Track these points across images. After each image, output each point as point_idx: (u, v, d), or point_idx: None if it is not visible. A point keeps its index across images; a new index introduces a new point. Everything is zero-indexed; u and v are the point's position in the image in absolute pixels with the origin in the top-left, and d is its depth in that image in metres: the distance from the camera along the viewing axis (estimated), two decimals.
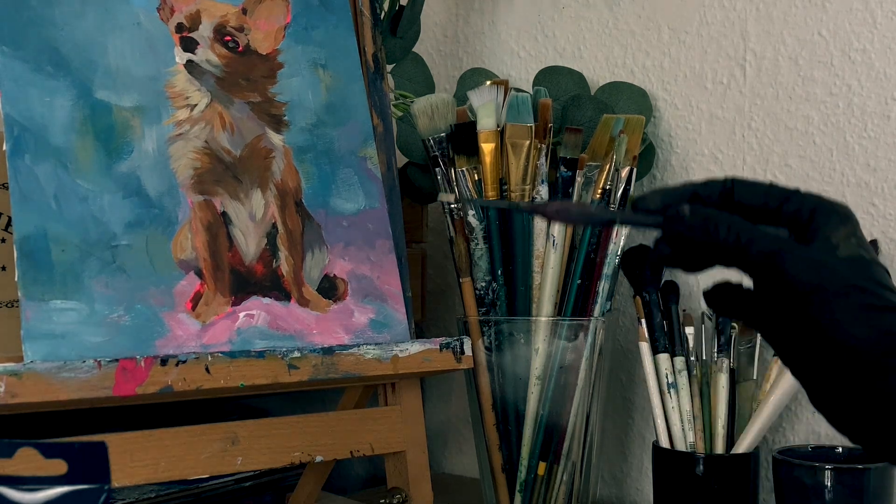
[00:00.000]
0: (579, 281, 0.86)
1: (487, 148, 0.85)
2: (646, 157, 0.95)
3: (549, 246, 0.85)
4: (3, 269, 0.79)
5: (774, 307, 0.51)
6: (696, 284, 0.96)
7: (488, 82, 0.93)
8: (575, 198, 0.86)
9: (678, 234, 0.53)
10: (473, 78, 0.98)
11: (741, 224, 0.51)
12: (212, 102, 0.76)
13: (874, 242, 0.84)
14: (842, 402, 0.51)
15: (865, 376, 0.49)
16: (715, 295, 0.56)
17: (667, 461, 0.84)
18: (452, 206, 0.71)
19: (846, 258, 0.50)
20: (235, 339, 0.72)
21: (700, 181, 0.55)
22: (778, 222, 0.53)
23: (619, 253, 0.86)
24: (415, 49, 0.99)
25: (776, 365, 0.84)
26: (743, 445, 0.83)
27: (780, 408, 0.83)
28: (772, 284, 0.51)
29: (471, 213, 0.86)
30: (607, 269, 0.86)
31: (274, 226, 0.77)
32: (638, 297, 0.87)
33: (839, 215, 0.52)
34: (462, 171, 0.86)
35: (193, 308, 0.71)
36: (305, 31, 0.82)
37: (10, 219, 0.74)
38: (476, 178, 0.86)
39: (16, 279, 0.65)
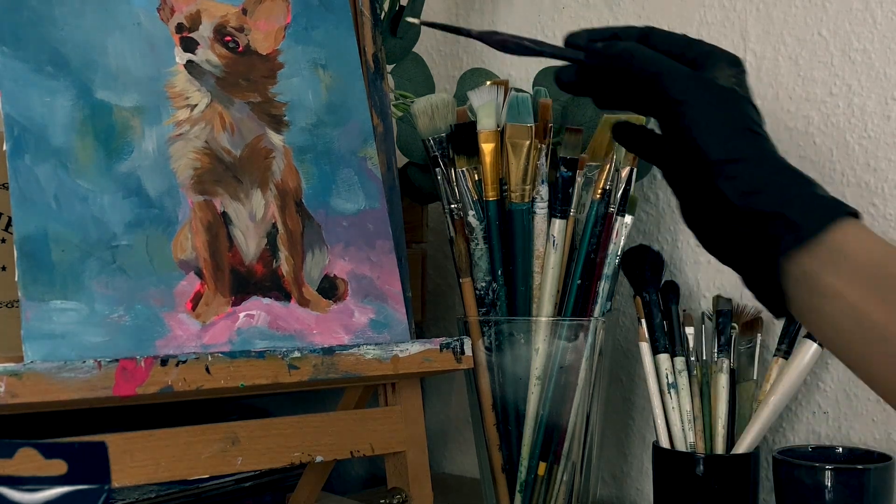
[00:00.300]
0: (579, 281, 0.86)
1: (487, 148, 0.85)
2: None
3: (550, 246, 0.85)
4: (3, 269, 0.79)
5: (661, 127, 0.58)
6: (696, 284, 0.96)
7: (488, 82, 0.92)
8: (575, 199, 0.86)
9: (594, 67, 0.61)
10: (473, 78, 0.98)
11: (638, 49, 0.58)
12: (212, 102, 0.76)
13: None
14: (703, 216, 0.57)
15: (707, 178, 0.55)
16: (620, 129, 0.65)
17: (667, 461, 0.84)
18: (416, 22, 0.72)
19: (721, 85, 0.57)
20: (235, 340, 0.72)
21: (621, 26, 0.62)
22: (683, 59, 0.59)
23: (619, 253, 0.86)
24: (415, 49, 0.99)
25: (776, 365, 0.84)
26: (743, 445, 0.83)
27: (781, 408, 0.83)
28: (655, 100, 0.57)
29: (471, 213, 0.86)
30: (607, 270, 0.86)
31: (274, 226, 0.77)
32: (638, 298, 0.87)
33: (728, 60, 0.59)
34: (462, 171, 0.86)
35: (193, 308, 0.71)
36: (305, 32, 0.82)
37: (10, 219, 0.74)
38: (476, 178, 0.86)
39: (16, 279, 0.65)
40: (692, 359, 0.86)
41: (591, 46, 0.61)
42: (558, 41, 0.63)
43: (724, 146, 0.55)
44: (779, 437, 0.92)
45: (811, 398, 0.90)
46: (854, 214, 0.54)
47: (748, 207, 0.54)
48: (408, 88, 0.98)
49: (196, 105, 0.76)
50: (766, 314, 0.86)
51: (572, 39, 0.62)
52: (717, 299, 0.87)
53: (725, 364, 0.85)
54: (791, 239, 0.53)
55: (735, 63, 0.59)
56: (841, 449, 0.83)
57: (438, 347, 0.79)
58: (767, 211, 0.53)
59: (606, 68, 0.60)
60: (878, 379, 0.53)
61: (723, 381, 0.84)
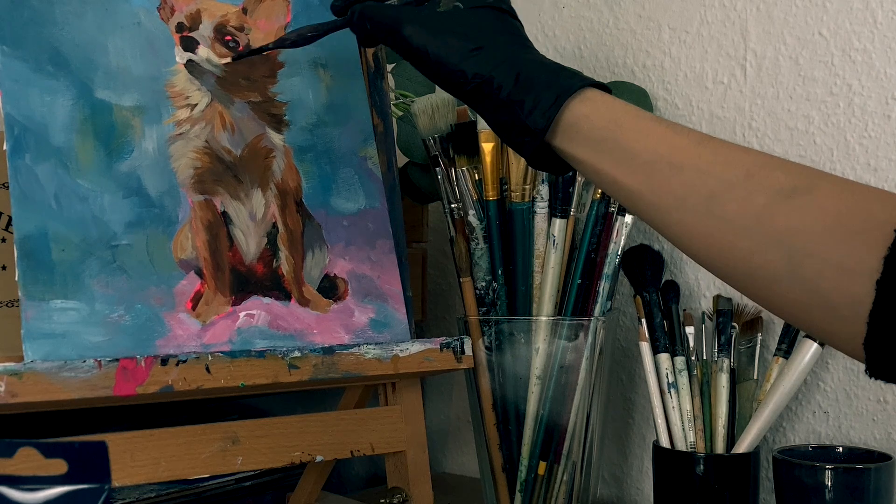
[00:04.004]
0: (580, 281, 0.86)
1: (488, 147, 0.85)
2: None
3: (550, 246, 0.85)
4: (4, 268, 0.79)
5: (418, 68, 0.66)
6: (696, 285, 0.96)
7: None
8: (575, 199, 0.86)
9: (354, 30, 0.69)
10: None
11: (370, 8, 0.67)
12: (212, 102, 0.76)
13: None
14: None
15: (467, 99, 0.64)
16: None
17: (667, 461, 0.84)
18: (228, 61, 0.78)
19: (443, 12, 0.65)
20: (236, 339, 0.72)
21: None
22: None
23: (619, 253, 0.86)
24: None
25: (776, 365, 0.84)
26: (743, 445, 0.83)
27: (781, 408, 0.83)
28: (406, 49, 0.65)
29: (471, 212, 0.86)
30: (608, 269, 0.86)
31: (274, 225, 0.77)
32: (638, 297, 0.87)
33: None
34: (462, 170, 0.86)
35: (194, 308, 0.71)
36: None
37: (10, 218, 0.74)
38: (476, 177, 0.86)
39: (16, 279, 0.65)
40: (692, 358, 0.86)
41: (341, 12, 0.70)
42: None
43: (467, 71, 0.63)
44: (779, 436, 0.92)
45: (811, 398, 0.90)
46: (596, 86, 0.61)
47: (501, 122, 0.62)
48: (408, 88, 0.98)
49: (196, 104, 0.76)
50: (766, 314, 0.86)
51: (333, 8, 0.71)
52: (718, 299, 0.87)
53: (726, 363, 0.85)
54: (529, 141, 0.61)
55: None
56: (841, 449, 0.83)
57: (439, 347, 0.79)
58: (509, 122, 0.62)
59: (360, 31, 0.68)
60: (651, 225, 0.60)
61: (723, 380, 0.84)
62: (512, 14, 0.66)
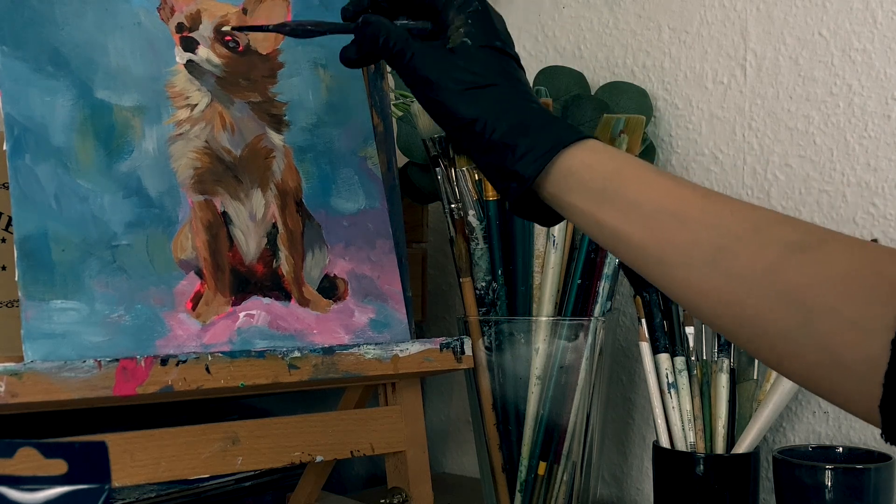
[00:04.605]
0: (580, 281, 0.86)
1: None
2: (646, 157, 0.95)
3: (550, 246, 0.85)
4: (4, 268, 0.79)
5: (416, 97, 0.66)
6: None
7: None
8: None
9: (361, 40, 0.67)
10: None
11: (393, 30, 0.65)
12: (212, 102, 0.76)
13: (874, 241, 0.84)
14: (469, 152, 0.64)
15: (460, 136, 0.63)
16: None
17: (667, 461, 0.84)
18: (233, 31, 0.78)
19: (455, 47, 0.64)
20: (236, 339, 0.72)
21: None
22: (428, 15, 0.68)
23: None
24: None
25: None
26: (743, 445, 0.83)
27: (781, 408, 0.83)
28: (409, 76, 0.65)
29: (471, 212, 0.86)
30: (608, 269, 0.86)
31: (274, 226, 0.77)
32: (638, 297, 0.87)
33: (456, 6, 0.65)
34: (462, 170, 0.86)
35: (194, 308, 0.71)
36: None
37: (10, 218, 0.74)
38: (476, 177, 0.86)
39: (16, 279, 0.65)
40: (692, 358, 0.86)
41: (353, 20, 0.69)
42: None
43: (467, 109, 0.62)
44: (779, 436, 0.92)
45: (811, 398, 0.90)
46: (591, 137, 0.61)
47: (489, 163, 0.62)
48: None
49: (196, 105, 0.76)
50: None
51: (344, 13, 0.70)
52: None
53: (726, 364, 0.85)
54: (515, 187, 0.60)
55: (463, 7, 0.65)
56: (841, 449, 0.83)
57: (439, 347, 0.79)
58: (498, 165, 0.61)
59: (365, 43, 0.67)
60: (654, 280, 0.58)
61: (723, 380, 0.84)
62: (517, 61, 0.66)
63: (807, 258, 0.51)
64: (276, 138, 0.78)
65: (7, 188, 0.67)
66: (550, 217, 0.63)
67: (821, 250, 0.51)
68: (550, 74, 0.98)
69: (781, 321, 0.51)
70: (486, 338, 0.86)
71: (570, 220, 0.62)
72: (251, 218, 0.76)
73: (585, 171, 0.59)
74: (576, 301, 0.86)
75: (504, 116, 0.61)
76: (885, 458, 0.78)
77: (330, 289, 0.78)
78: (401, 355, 0.77)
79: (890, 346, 0.47)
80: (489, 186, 0.86)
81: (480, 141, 0.62)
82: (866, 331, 0.48)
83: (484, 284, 0.86)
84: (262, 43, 0.80)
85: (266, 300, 0.75)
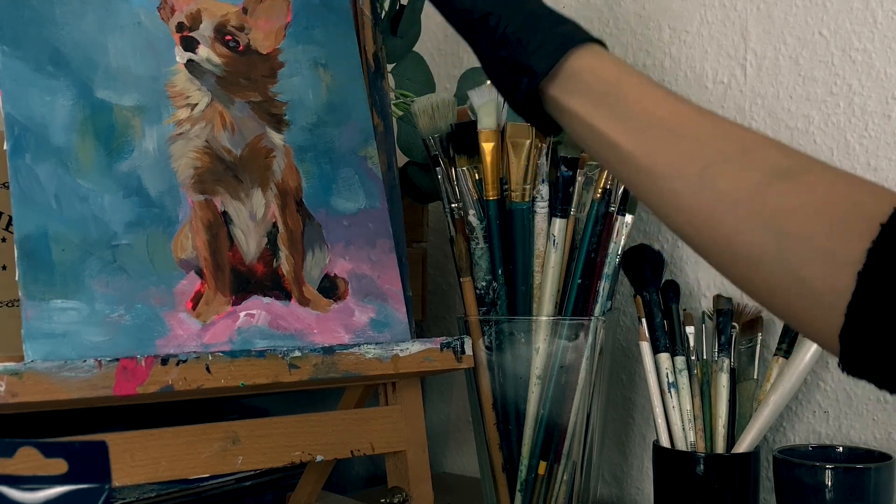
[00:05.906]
0: (580, 280, 0.86)
1: (488, 147, 0.85)
2: None
3: (550, 245, 0.85)
4: (4, 268, 0.79)
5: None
6: (696, 284, 0.96)
7: (489, 81, 0.92)
8: (576, 199, 0.86)
9: None
10: (474, 77, 0.98)
11: None
12: (212, 102, 0.76)
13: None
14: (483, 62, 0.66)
15: (471, 34, 0.65)
16: None
17: (667, 461, 0.84)
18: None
19: None
20: (236, 339, 0.72)
21: None
22: None
23: (619, 252, 0.86)
24: (415, 48, 0.99)
25: (777, 364, 0.84)
26: (743, 445, 0.83)
27: (781, 407, 0.83)
28: None
29: (471, 212, 0.86)
30: (608, 269, 0.86)
31: (274, 225, 0.77)
32: (638, 297, 0.87)
33: None
34: (462, 170, 0.86)
35: (194, 307, 0.71)
36: (306, 31, 0.82)
37: (10, 218, 0.74)
38: (476, 177, 0.86)
39: (16, 279, 0.65)
40: (692, 358, 0.86)
41: None
42: None
43: (483, 4, 0.63)
44: (779, 436, 0.92)
45: (811, 397, 0.90)
46: (598, 42, 0.61)
47: (501, 58, 0.62)
48: (408, 88, 0.98)
49: (196, 104, 0.76)
50: (766, 314, 0.86)
51: None
52: (718, 298, 0.87)
53: (726, 363, 0.85)
54: (526, 82, 0.61)
55: None
56: (841, 448, 0.83)
57: (439, 347, 0.79)
58: (510, 59, 0.62)
59: None
60: (637, 190, 0.59)
61: (723, 380, 0.84)
62: None
63: (789, 185, 0.52)
64: (276, 138, 0.78)
65: (7, 188, 0.67)
66: (547, 126, 0.64)
67: (803, 178, 0.52)
68: None
69: (756, 245, 0.52)
70: (486, 337, 0.86)
71: (565, 127, 0.62)
72: (251, 217, 0.76)
73: (589, 74, 0.60)
74: (576, 301, 0.86)
75: (518, 11, 0.62)
76: (886, 457, 0.78)
77: (330, 288, 0.78)
78: (401, 355, 0.77)
79: (856, 277, 0.48)
80: (489, 186, 0.86)
81: (493, 35, 0.63)
82: (837, 261, 0.49)
83: (484, 284, 0.86)
84: (263, 42, 0.80)
85: (266, 300, 0.75)
